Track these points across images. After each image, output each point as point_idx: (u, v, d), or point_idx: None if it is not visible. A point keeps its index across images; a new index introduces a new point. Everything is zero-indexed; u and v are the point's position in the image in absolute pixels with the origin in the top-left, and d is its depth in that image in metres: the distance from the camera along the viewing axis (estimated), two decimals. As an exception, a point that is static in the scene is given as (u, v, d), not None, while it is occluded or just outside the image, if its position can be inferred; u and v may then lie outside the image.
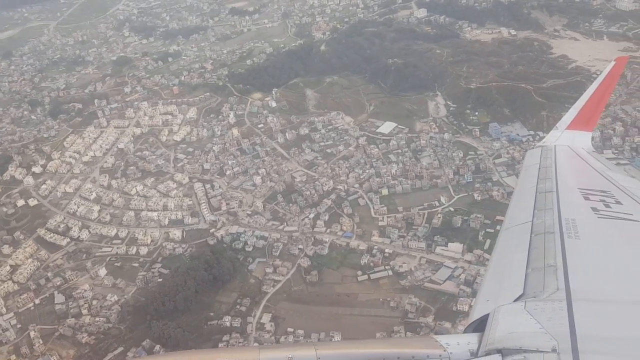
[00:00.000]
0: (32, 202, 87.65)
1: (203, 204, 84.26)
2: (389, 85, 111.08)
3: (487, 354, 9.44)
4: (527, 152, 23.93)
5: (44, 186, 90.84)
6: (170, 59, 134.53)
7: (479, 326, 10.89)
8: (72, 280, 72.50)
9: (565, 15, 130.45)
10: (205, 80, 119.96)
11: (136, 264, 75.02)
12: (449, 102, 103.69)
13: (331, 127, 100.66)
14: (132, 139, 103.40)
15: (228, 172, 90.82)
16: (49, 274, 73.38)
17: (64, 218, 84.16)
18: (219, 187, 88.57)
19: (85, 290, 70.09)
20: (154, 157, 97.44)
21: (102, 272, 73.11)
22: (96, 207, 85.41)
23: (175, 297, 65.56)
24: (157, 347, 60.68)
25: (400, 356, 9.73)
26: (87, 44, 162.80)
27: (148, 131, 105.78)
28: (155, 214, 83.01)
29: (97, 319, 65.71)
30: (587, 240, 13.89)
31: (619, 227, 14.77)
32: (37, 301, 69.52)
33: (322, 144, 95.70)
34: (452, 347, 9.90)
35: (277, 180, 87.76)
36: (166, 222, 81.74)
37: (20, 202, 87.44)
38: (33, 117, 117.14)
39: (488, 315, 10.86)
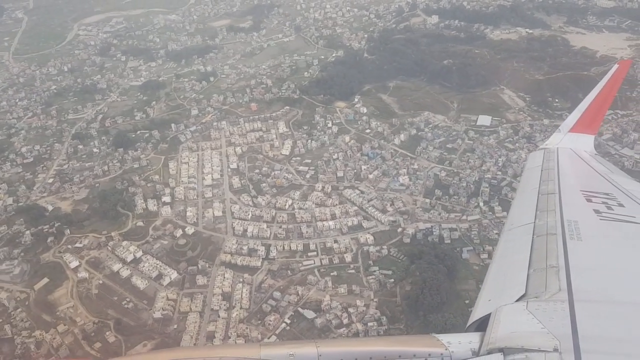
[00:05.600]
0: (190, 231, 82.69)
1: (369, 208, 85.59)
2: (454, 84, 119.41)
3: (489, 352, 9.62)
4: (529, 154, 24.85)
5: (189, 214, 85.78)
6: (212, 79, 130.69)
7: (481, 325, 11.13)
8: (305, 295, 70.84)
9: (561, 14, 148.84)
10: (274, 95, 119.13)
11: (351, 271, 74.89)
12: (520, 94, 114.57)
13: (431, 125, 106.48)
14: (237, 158, 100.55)
15: (370, 176, 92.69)
16: (278, 294, 70.92)
17: (236, 240, 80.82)
18: (369, 191, 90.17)
19: (329, 302, 69.00)
20: (277, 172, 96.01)
21: (329, 282, 72.28)
22: (263, 225, 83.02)
23: (439, 291, 67.61)
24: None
25: (401, 354, 9.88)
26: (76, 72, 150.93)
27: (248, 149, 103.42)
28: (331, 223, 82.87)
29: (368, 324, 65.46)
30: (590, 242, 14.05)
31: (621, 229, 14.93)
32: (287, 320, 67.19)
33: (437, 141, 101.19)
34: (453, 346, 10.08)
35: (423, 178, 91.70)
36: (346, 229, 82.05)
37: (178, 232, 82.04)
38: (95, 150, 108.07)
39: (490, 314, 11.10)
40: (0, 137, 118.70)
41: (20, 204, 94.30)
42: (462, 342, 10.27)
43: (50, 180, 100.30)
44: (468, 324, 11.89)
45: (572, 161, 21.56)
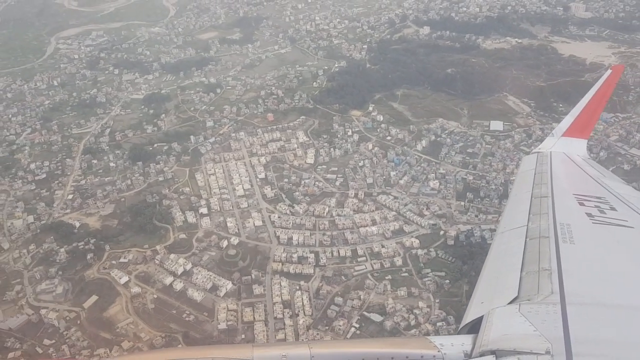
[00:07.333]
0: (235, 241, 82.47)
1: (407, 213, 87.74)
2: (459, 92, 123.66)
3: (481, 355, 9.65)
4: (523, 158, 25.05)
5: (229, 224, 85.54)
6: (218, 90, 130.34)
7: (473, 328, 11.23)
8: (367, 299, 72.06)
9: (544, 24, 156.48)
10: (288, 106, 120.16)
11: (404, 274, 76.58)
12: (524, 100, 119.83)
13: (447, 131, 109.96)
14: (262, 168, 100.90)
15: (400, 182, 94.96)
16: (339, 299, 71.81)
17: (284, 249, 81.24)
18: (402, 196, 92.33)
19: (393, 304, 70.44)
20: (307, 180, 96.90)
21: (388, 286, 73.80)
22: (307, 233, 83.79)
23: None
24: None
25: (394, 356, 9.91)
26: (68, 86, 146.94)
27: (271, 159, 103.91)
28: (374, 228, 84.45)
29: (437, 324, 67.36)
30: (582, 245, 14.13)
31: (613, 233, 15.05)
32: (356, 324, 68.22)
33: (457, 146, 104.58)
34: (446, 348, 10.14)
35: (452, 182, 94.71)
36: (389, 234, 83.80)
37: (224, 243, 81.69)
38: (112, 164, 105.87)
39: (482, 317, 11.18)
40: (2, 154, 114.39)
41: (44, 221, 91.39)
42: (454, 344, 10.31)
43: (70, 197, 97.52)
44: (461, 326, 11.99)
45: (565, 165, 21.85)
